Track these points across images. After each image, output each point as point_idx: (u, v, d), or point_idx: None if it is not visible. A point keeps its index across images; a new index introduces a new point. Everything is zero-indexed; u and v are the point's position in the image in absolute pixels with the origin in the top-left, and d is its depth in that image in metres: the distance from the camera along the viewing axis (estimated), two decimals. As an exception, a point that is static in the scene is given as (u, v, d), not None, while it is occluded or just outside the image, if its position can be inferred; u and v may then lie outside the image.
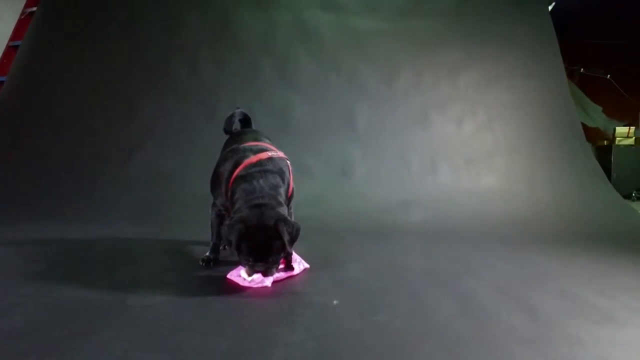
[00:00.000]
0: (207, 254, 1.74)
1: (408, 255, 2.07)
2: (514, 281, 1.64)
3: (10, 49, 4.49)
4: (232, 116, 2.13)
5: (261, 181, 1.49)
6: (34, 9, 4.41)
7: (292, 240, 1.42)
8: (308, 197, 2.95)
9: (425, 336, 1.10)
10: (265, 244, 1.39)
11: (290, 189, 1.67)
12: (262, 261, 1.40)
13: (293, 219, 1.62)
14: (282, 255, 1.45)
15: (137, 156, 3.42)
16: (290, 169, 1.70)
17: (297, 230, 1.44)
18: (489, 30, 4.10)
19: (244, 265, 1.44)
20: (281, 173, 1.59)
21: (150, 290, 1.36)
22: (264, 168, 1.55)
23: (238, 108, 2.19)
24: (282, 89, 3.75)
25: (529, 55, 4.01)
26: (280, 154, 1.69)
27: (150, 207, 2.99)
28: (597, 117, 5.96)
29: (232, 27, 3.95)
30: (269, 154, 1.62)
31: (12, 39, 4.53)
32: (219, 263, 1.73)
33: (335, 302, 1.31)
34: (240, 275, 1.50)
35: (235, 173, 1.55)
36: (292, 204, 1.75)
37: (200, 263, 1.70)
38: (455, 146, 3.64)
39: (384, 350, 1.01)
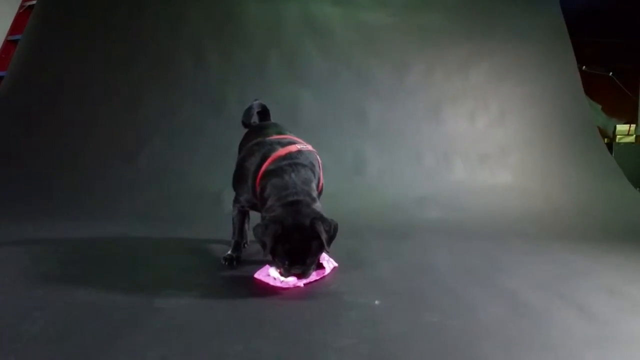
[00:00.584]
0: (229, 252, 1.66)
1: (432, 252, 2.00)
2: (552, 278, 1.57)
3: (9, 44, 4.38)
4: (250, 108, 2.05)
5: (293, 175, 1.41)
6: (33, 2, 4.30)
7: (330, 239, 1.34)
8: (323, 193, 2.88)
9: (481, 337, 1.02)
10: (303, 245, 1.31)
11: (321, 184, 1.59)
12: (299, 263, 1.32)
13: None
14: (319, 256, 1.37)
15: (143, 152, 3.32)
16: (320, 162, 1.62)
17: (335, 228, 1.36)
18: (499, 23, 4.03)
19: (278, 268, 1.36)
20: (312, 166, 1.51)
21: (175, 292, 1.27)
22: (295, 161, 1.46)
23: (256, 100, 2.10)
24: (290, 83, 3.66)
25: (540, 48, 3.95)
26: (309, 146, 1.62)
27: (159, 204, 2.89)
28: (596, 115, 5.95)
29: (238, 20, 3.85)
30: (298, 146, 1.54)
31: (10, 33, 4.42)
32: (241, 262, 1.64)
33: (377, 302, 1.24)
34: (269, 275, 1.42)
35: (264, 167, 1.47)
36: (322, 198, 1.67)
37: (223, 262, 1.62)
38: (468, 141, 3.56)
39: (442, 353, 0.94)
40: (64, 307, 1.14)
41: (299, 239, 1.29)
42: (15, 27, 4.41)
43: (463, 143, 3.55)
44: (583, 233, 2.52)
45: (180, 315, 1.11)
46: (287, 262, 1.32)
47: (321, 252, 1.37)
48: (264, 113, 2.08)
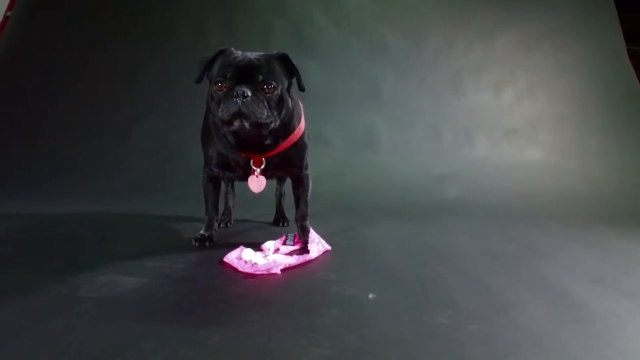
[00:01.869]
0: (202, 231, 1.39)
1: (454, 235, 1.68)
2: (608, 269, 1.23)
3: (7, 20, 4.20)
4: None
5: None
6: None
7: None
8: (328, 171, 2.61)
9: (518, 348, 0.70)
10: (255, 58, 1.11)
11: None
12: (246, 81, 1.06)
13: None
14: (278, 86, 1.09)
15: (137, 128, 3.09)
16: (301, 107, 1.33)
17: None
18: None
19: (216, 94, 1.09)
20: None
21: (115, 277, 1.00)
22: None
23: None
24: (297, 54, 3.28)
25: (576, 11, 3.50)
26: None
27: (150, 182, 2.67)
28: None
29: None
30: None
31: (9, 9, 4.24)
32: (215, 243, 1.36)
33: (371, 296, 0.92)
34: (241, 258, 1.13)
35: None
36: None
37: (193, 243, 1.35)
38: (493, 116, 3.18)
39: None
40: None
41: (248, 54, 1.12)
42: (13, 2, 4.22)
43: (487, 118, 3.17)
44: (631, 216, 2.16)
45: (105, 307, 0.82)
46: (228, 74, 1.06)
47: (280, 85, 1.10)
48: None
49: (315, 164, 1.47)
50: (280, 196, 1.79)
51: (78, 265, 1.09)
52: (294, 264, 1.13)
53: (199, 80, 1.18)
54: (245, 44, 3.43)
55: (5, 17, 4.21)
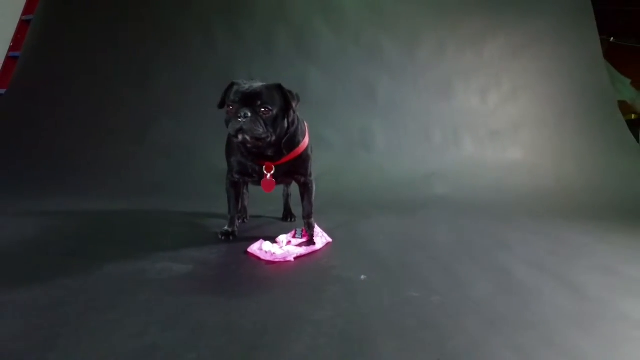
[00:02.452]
0: (226, 227, 1.69)
1: (435, 228, 1.99)
2: (549, 256, 1.54)
3: (23, 23, 4.43)
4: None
5: None
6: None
7: (294, 97, 1.44)
8: (327, 170, 2.87)
9: (466, 314, 1.02)
10: (256, 88, 1.38)
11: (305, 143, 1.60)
12: (249, 105, 1.36)
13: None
14: (273, 110, 1.38)
15: (153, 129, 3.36)
16: (307, 126, 1.65)
17: (298, 97, 1.46)
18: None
19: (228, 117, 1.39)
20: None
21: (169, 264, 1.30)
22: None
23: (253, 79, 2.08)
24: (298, 59, 3.61)
25: (560, 21, 3.77)
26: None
27: (167, 180, 2.95)
28: (624, 90, 5.66)
29: (246, -5, 3.79)
30: None
31: (24, 13, 4.46)
32: (238, 236, 1.67)
33: (362, 277, 1.24)
34: (261, 249, 1.44)
35: None
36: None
37: (220, 237, 1.65)
38: (479, 118, 3.48)
39: (422, 329, 0.93)
40: (64, 278, 1.18)
41: (253, 84, 1.41)
42: (29, 7, 4.45)
43: (473, 119, 3.46)
44: (593, 212, 2.46)
45: (169, 286, 1.13)
46: (236, 100, 1.37)
47: (275, 109, 1.39)
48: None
49: (316, 164, 1.74)
50: (287, 196, 2.10)
51: (134, 256, 1.39)
52: (303, 254, 1.44)
53: (220, 106, 1.48)
54: (250, 49, 3.74)
55: (22, 22, 4.46)
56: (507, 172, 3.11)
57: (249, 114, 1.34)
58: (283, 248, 1.45)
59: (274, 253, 1.39)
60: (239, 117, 1.34)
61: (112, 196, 2.61)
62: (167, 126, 3.39)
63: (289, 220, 2.03)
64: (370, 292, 1.13)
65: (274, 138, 1.42)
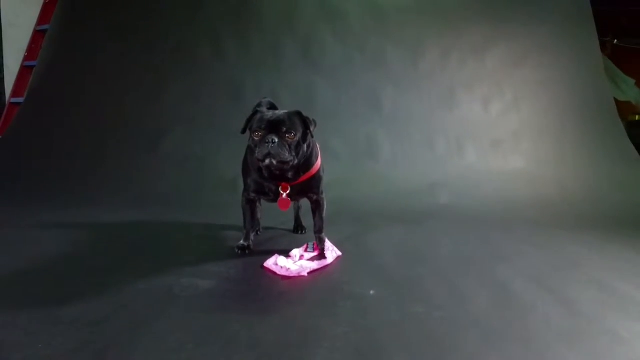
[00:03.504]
0: (242, 241, 1.80)
1: (439, 241, 2.09)
2: (548, 270, 1.64)
3: (38, 34, 4.57)
4: (259, 105, 2.15)
5: None
6: (59, -8, 4.44)
7: (312, 123, 1.56)
8: (334, 179, 2.96)
9: (465, 329, 1.13)
10: (280, 115, 1.52)
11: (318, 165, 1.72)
12: (275, 131, 1.48)
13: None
14: (297, 136, 1.50)
15: (165, 139, 3.48)
16: (319, 148, 1.77)
17: (315, 123, 1.58)
18: (518, 4, 3.94)
19: (254, 142, 1.52)
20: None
21: (193, 280, 1.42)
22: None
23: (265, 97, 2.19)
24: (305, 70, 3.72)
25: (561, 31, 3.85)
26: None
27: (180, 191, 3.07)
28: (628, 90, 5.72)
29: (253, 7, 3.89)
30: None
31: (38, 23, 4.60)
32: (252, 251, 1.78)
33: (372, 292, 1.35)
34: (277, 264, 1.55)
35: None
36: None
37: (236, 251, 1.76)
38: (481, 127, 3.57)
39: (425, 343, 1.04)
40: (98, 293, 1.30)
41: (276, 112, 1.55)
42: (43, 17, 4.59)
43: (476, 129, 3.56)
44: (592, 222, 2.54)
45: (197, 302, 1.25)
46: (263, 126, 1.49)
47: (298, 134, 1.51)
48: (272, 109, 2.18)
49: (324, 174, 1.82)
50: (297, 209, 2.21)
51: (160, 271, 1.51)
52: (316, 268, 1.55)
53: (243, 131, 1.60)
54: (258, 60, 3.84)
55: (36, 32, 4.59)
56: (509, 181, 3.21)
57: (276, 140, 1.47)
58: (297, 263, 1.57)
59: (288, 268, 1.51)
60: (267, 143, 1.46)
61: (127, 207, 2.71)
62: (179, 136, 3.50)
63: (300, 232, 2.15)
64: (379, 307, 1.24)
65: (296, 161, 1.54)
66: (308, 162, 1.63)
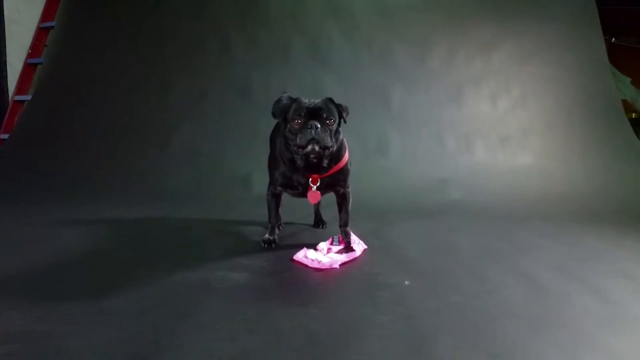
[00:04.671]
0: (267, 235, 1.81)
1: (456, 234, 2.11)
2: (571, 261, 1.67)
3: (41, 31, 4.53)
4: (279, 100, 2.14)
5: None
6: (63, -11, 4.41)
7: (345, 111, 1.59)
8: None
9: (505, 317, 1.15)
10: (318, 103, 1.55)
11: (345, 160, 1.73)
12: (317, 117, 1.50)
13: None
14: (335, 122, 1.54)
15: (174, 136, 3.47)
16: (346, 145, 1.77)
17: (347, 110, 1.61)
18: (524, 2, 3.98)
19: (293, 131, 1.53)
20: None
21: (227, 273, 1.43)
22: None
23: (285, 92, 2.19)
24: (314, 67, 3.72)
25: (566, 28, 3.90)
26: None
27: (193, 187, 3.07)
28: (624, 89, 5.79)
29: (261, 5, 3.89)
30: None
31: (42, 20, 4.57)
32: (278, 245, 1.79)
33: (406, 282, 1.37)
34: (307, 257, 1.56)
35: None
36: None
37: (262, 244, 1.77)
38: (490, 124, 3.61)
39: (469, 330, 1.06)
40: (134, 286, 1.30)
41: (312, 100, 1.57)
42: (47, 15, 4.55)
43: (484, 125, 3.59)
44: (603, 216, 2.58)
45: (236, 294, 1.26)
46: (303, 113, 1.51)
47: (336, 120, 1.55)
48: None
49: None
50: (317, 204, 2.22)
51: (191, 265, 1.51)
52: (346, 261, 1.57)
53: (283, 121, 1.63)
54: (266, 57, 3.85)
55: (40, 29, 4.55)
56: (518, 176, 3.24)
57: (319, 125, 1.49)
58: (328, 256, 1.58)
59: (320, 261, 1.52)
60: (310, 129, 1.48)
61: (140, 203, 2.71)
62: (188, 133, 3.50)
63: (320, 226, 2.16)
64: (417, 297, 1.26)
65: (335, 148, 1.57)
66: (338, 152, 1.64)
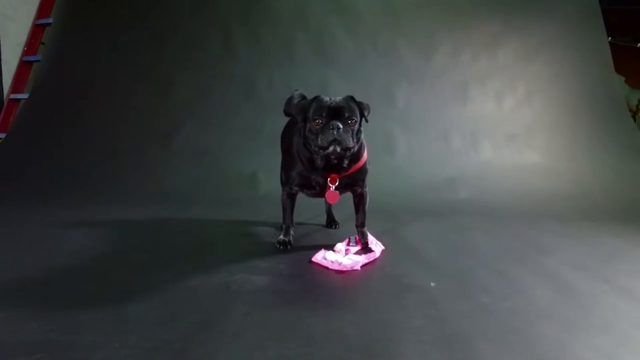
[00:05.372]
0: (282, 236, 1.76)
1: (469, 233, 2.08)
2: (593, 261, 1.65)
3: (37, 27, 4.43)
4: (291, 98, 2.11)
5: None
6: (59, -15, 4.31)
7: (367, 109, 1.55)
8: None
9: (539, 318, 1.12)
10: (339, 102, 1.49)
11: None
12: (338, 117, 1.45)
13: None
14: (357, 122, 1.50)
15: (177, 135, 3.41)
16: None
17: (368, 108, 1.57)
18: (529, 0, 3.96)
19: (313, 130, 1.47)
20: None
21: (246, 276, 1.38)
22: None
23: (297, 90, 2.15)
24: (318, 65, 3.68)
25: (570, 26, 3.89)
26: None
27: (198, 187, 3.01)
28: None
29: (264, 2, 3.84)
30: None
31: (37, 17, 4.47)
32: (293, 246, 1.75)
33: (432, 284, 1.34)
34: (326, 259, 1.53)
35: None
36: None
37: (277, 246, 1.73)
38: (495, 122, 3.59)
39: (506, 333, 1.03)
40: (155, 292, 1.25)
41: (333, 99, 1.51)
42: (42, 11, 4.46)
43: (490, 123, 3.57)
44: (614, 214, 2.57)
45: (260, 298, 1.21)
46: (324, 113, 1.45)
47: (358, 120, 1.51)
48: (305, 101, 2.13)
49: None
50: (329, 204, 2.18)
51: (207, 267, 1.46)
52: (366, 262, 1.53)
53: (303, 120, 1.56)
54: (270, 54, 3.80)
55: (36, 26, 4.46)
56: (525, 175, 3.23)
57: (341, 126, 1.44)
58: (348, 257, 1.54)
59: (341, 262, 1.48)
60: (332, 129, 1.43)
61: (145, 204, 2.64)
62: (191, 132, 3.44)
63: (333, 227, 2.12)
64: (446, 299, 1.23)
65: (356, 148, 1.51)
66: (357, 152, 1.60)
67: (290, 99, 2.12)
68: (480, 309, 1.17)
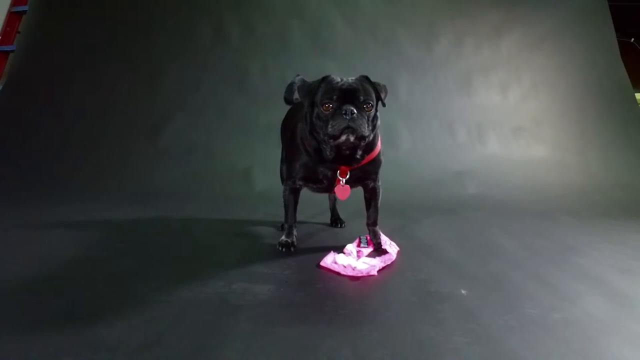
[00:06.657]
0: (284, 237, 1.57)
1: (488, 230, 1.92)
2: (631, 260, 1.49)
3: (13, 15, 4.15)
4: (292, 84, 1.91)
5: None
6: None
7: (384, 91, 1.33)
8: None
9: (598, 331, 0.94)
10: (354, 82, 1.27)
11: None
12: (351, 101, 1.24)
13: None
14: (373, 105, 1.29)
15: (164, 129, 3.19)
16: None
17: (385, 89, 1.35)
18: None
19: (322, 115, 1.26)
20: None
21: (246, 285, 1.18)
22: None
23: (298, 75, 1.95)
24: (314, 55, 3.48)
25: (576, 15, 3.75)
26: None
27: (186, 183, 2.81)
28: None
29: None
30: None
31: (13, 4, 4.18)
32: (296, 247, 1.55)
33: (463, 291, 1.15)
34: (337, 263, 1.33)
35: None
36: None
37: (279, 248, 1.53)
38: (501, 114, 3.44)
39: (566, 352, 0.85)
40: (139, 307, 1.04)
41: (345, 79, 1.28)
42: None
43: (496, 116, 3.42)
44: (631, 209, 2.44)
45: (265, 313, 1.01)
46: (335, 96, 1.24)
47: (374, 104, 1.29)
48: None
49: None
50: (333, 200, 1.99)
51: (200, 275, 1.25)
52: (383, 266, 1.34)
53: (310, 105, 1.33)
54: (263, 44, 3.58)
55: (11, 14, 4.17)
56: (534, 169, 3.08)
57: (355, 111, 1.22)
58: (362, 261, 1.34)
59: (354, 267, 1.29)
60: (345, 115, 1.22)
61: (130, 202, 2.43)
62: (179, 125, 3.22)
63: (339, 225, 1.93)
64: (485, 310, 1.04)
65: (372, 136, 1.31)
66: (372, 141, 1.40)
67: (291, 85, 1.91)
68: (529, 322, 0.98)
